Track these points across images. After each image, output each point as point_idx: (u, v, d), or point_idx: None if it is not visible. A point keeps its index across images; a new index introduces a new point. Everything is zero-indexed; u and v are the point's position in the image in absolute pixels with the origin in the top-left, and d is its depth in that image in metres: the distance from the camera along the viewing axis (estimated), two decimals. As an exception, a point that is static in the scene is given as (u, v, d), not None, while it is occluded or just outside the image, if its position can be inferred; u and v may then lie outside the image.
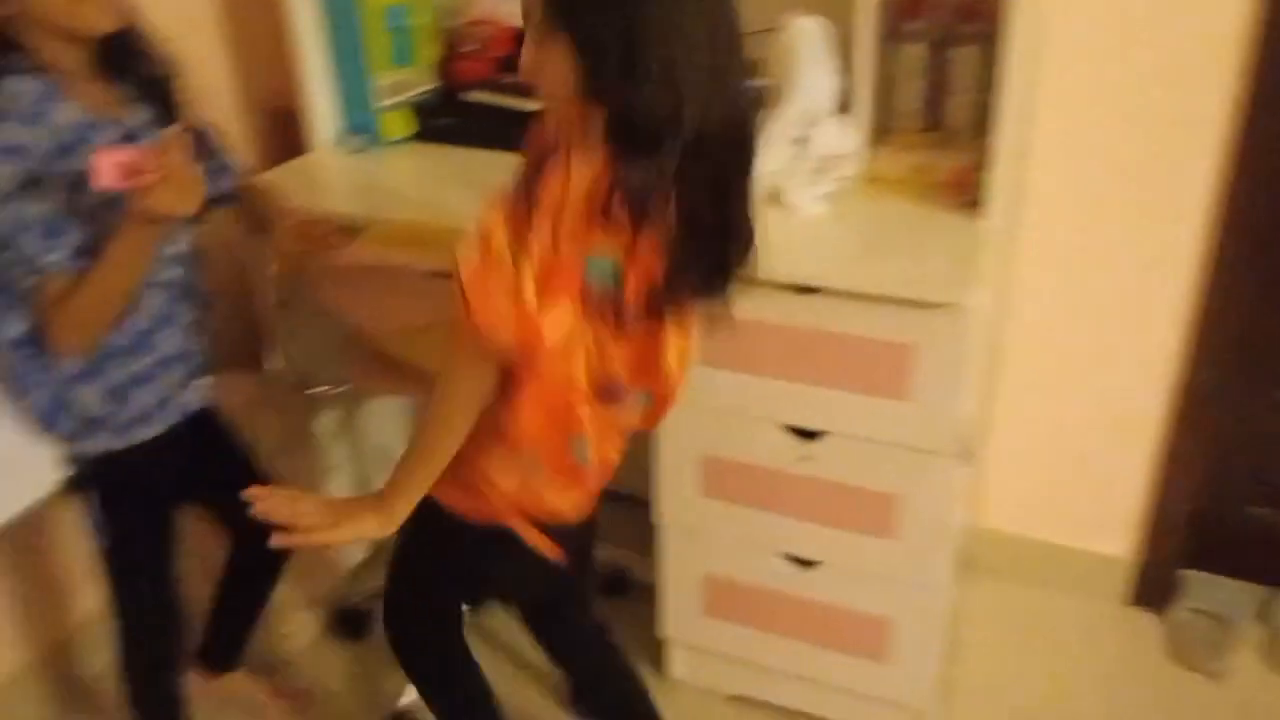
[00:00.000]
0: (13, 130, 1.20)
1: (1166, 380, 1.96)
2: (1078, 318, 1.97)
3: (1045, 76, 1.80)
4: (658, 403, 1.24)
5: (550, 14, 1.01)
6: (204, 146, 1.44)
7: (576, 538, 1.35)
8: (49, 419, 1.39)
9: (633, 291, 1.08)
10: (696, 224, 1.06)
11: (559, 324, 1.06)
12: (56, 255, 1.24)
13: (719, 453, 1.70)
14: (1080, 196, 1.88)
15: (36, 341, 1.32)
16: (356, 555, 2.28)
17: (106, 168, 1.17)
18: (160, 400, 1.45)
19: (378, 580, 2.18)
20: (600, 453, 1.21)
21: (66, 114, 1.24)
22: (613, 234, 1.04)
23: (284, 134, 2.14)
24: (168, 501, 1.58)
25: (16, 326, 1.31)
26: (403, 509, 1.18)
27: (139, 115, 1.36)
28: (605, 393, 1.17)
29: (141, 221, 1.21)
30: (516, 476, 1.22)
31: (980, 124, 1.68)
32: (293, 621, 2.10)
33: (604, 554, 2.11)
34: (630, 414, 1.25)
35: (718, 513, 1.75)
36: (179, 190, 1.18)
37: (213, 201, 1.43)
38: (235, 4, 2.11)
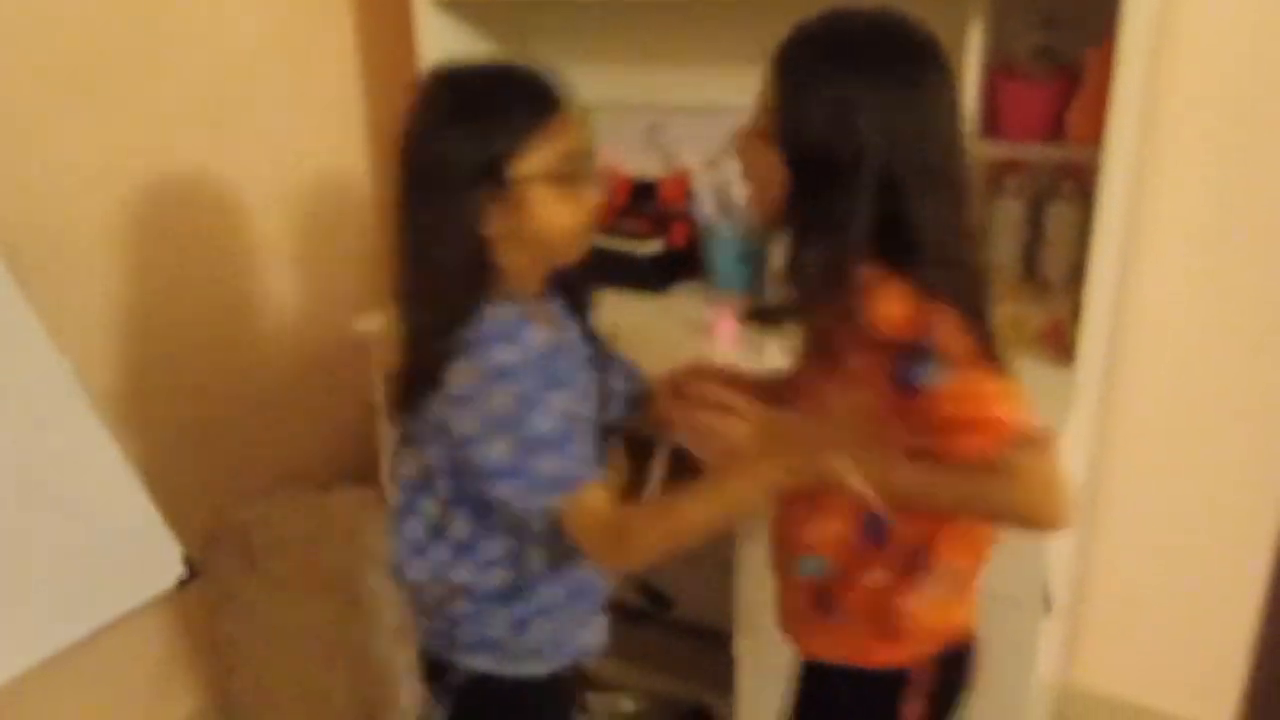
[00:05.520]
0: (502, 353, 1.08)
1: (1273, 540, 1.87)
2: (1177, 475, 1.92)
3: (1145, 233, 1.81)
4: None
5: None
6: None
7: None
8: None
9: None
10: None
11: None
12: (588, 467, 1.10)
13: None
14: (1178, 354, 1.86)
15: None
16: None
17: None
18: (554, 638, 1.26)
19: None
20: None
21: (537, 336, 1.11)
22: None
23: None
24: None
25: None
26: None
27: (571, 329, 1.24)
28: None
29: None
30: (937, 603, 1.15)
31: (1076, 278, 1.70)
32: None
33: (682, 690, 2.09)
34: None
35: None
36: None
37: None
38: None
